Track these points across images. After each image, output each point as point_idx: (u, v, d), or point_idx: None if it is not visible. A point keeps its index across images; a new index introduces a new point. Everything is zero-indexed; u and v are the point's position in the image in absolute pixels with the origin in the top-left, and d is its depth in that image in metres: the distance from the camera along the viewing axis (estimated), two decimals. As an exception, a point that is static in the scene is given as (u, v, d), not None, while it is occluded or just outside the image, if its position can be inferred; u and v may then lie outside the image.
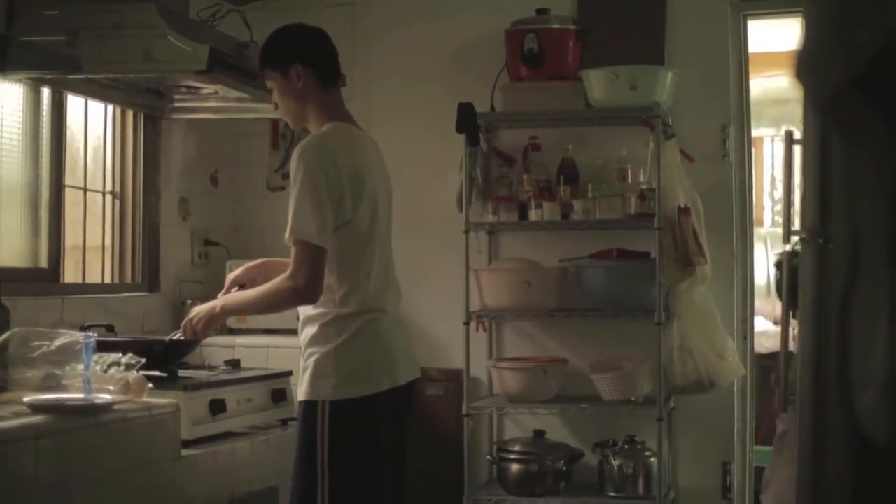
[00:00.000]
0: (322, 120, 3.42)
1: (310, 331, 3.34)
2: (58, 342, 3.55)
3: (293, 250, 3.25)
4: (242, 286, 3.64)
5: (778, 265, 4.35)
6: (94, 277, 4.77)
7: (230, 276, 3.70)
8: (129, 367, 3.57)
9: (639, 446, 4.82)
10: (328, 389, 3.27)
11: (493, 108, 5.08)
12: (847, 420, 1.61)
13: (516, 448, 4.88)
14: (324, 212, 3.22)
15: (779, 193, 7.41)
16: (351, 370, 3.29)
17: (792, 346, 4.12)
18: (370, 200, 3.36)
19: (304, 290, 3.25)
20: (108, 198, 4.88)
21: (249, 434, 4.18)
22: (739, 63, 5.08)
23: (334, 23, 5.29)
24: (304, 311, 3.38)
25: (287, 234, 3.24)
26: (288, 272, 3.26)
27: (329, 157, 3.27)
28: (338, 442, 3.25)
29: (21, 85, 4.26)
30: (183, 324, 3.55)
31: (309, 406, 3.29)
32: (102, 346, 3.60)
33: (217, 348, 4.68)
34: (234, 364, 4.48)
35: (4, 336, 3.53)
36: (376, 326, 3.35)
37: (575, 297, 4.96)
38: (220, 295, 3.63)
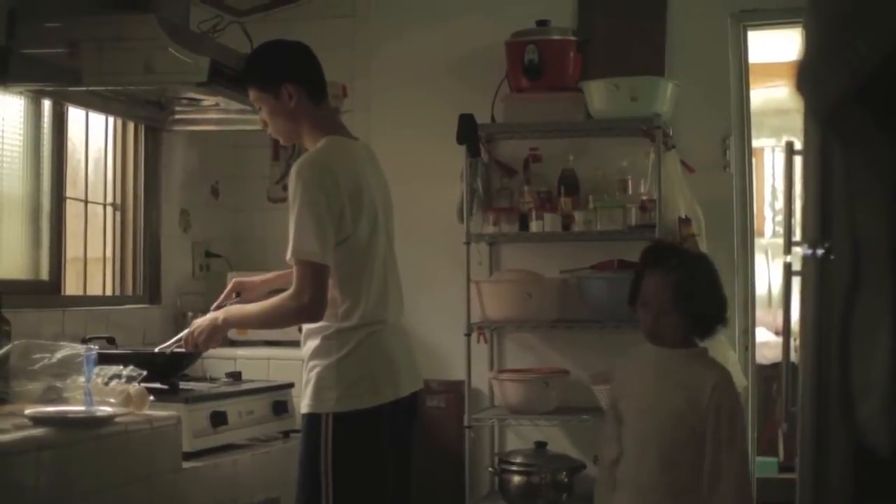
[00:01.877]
0: (316, 135, 3.40)
1: (312, 344, 3.34)
2: (59, 354, 3.55)
3: (295, 269, 3.24)
4: (239, 295, 3.67)
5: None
6: (94, 289, 4.77)
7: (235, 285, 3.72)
8: (130, 379, 3.57)
9: (640, 457, 4.81)
10: (331, 402, 3.26)
11: (493, 120, 5.09)
12: (848, 430, 1.61)
13: (518, 460, 4.87)
14: (325, 229, 3.21)
15: (779, 204, 7.42)
16: (353, 382, 3.29)
17: (794, 356, 4.12)
18: (370, 213, 3.36)
19: (308, 310, 3.25)
20: (109, 210, 4.88)
21: (251, 446, 4.18)
22: (740, 74, 5.09)
23: (335, 34, 5.33)
24: (307, 324, 3.38)
25: (289, 254, 3.24)
26: (291, 291, 3.26)
27: (327, 174, 3.27)
28: (341, 454, 3.24)
29: (22, 97, 4.27)
30: (184, 336, 3.55)
31: (312, 419, 3.29)
32: (103, 359, 3.60)
33: (218, 360, 4.67)
34: (236, 376, 4.48)
35: (5, 348, 3.53)
36: (378, 338, 3.35)
37: (576, 308, 4.95)
38: (221, 299, 3.68)
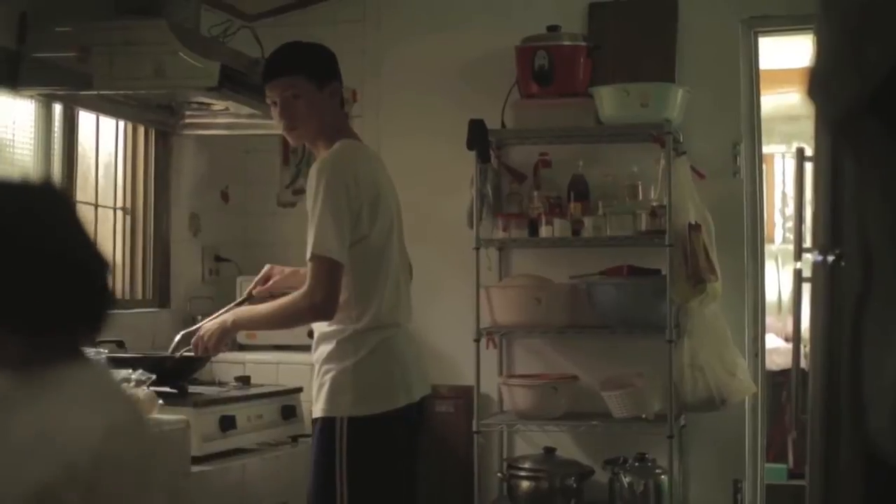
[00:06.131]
0: (333, 137, 3.41)
1: (326, 348, 3.34)
2: (68, 358, 3.54)
3: (311, 265, 3.23)
4: (268, 281, 3.67)
5: None
6: (104, 293, 4.76)
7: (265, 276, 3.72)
8: (139, 383, 3.56)
9: (649, 464, 4.80)
10: (346, 406, 3.26)
11: (503, 125, 5.08)
12: (859, 439, 1.60)
13: (526, 465, 4.86)
14: (343, 228, 3.23)
15: (790, 210, 7.41)
16: (369, 386, 3.29)
17: (804, 363, 4.12)
18: (385, 216, 3.37)
19: (322, 308, 3.25)
20: (119, 214, 4.88)
21: (259, 450, 4.17)
22: (750, 80, 5.08)
23: (345, 38, 5.32)
24: (320, 327, 3.37)
25: (309, 251, 3.23)
26: (304, 289, 3.25)
27: (349, 173, 3.29)
28: (357, 458, 3.25)
29: (33, 101, 4.27)
30: (194, 340, 3.55)
31: (326, 423, 3.28)
32: (112, 362, 3.60)
33: (227, 364, 4.68)
34: (245, 380, 4.48)
35: (15, 352, 3.53)
36: (393, 342, 3.36)
37: (585, 314, 4.95)
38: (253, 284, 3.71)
